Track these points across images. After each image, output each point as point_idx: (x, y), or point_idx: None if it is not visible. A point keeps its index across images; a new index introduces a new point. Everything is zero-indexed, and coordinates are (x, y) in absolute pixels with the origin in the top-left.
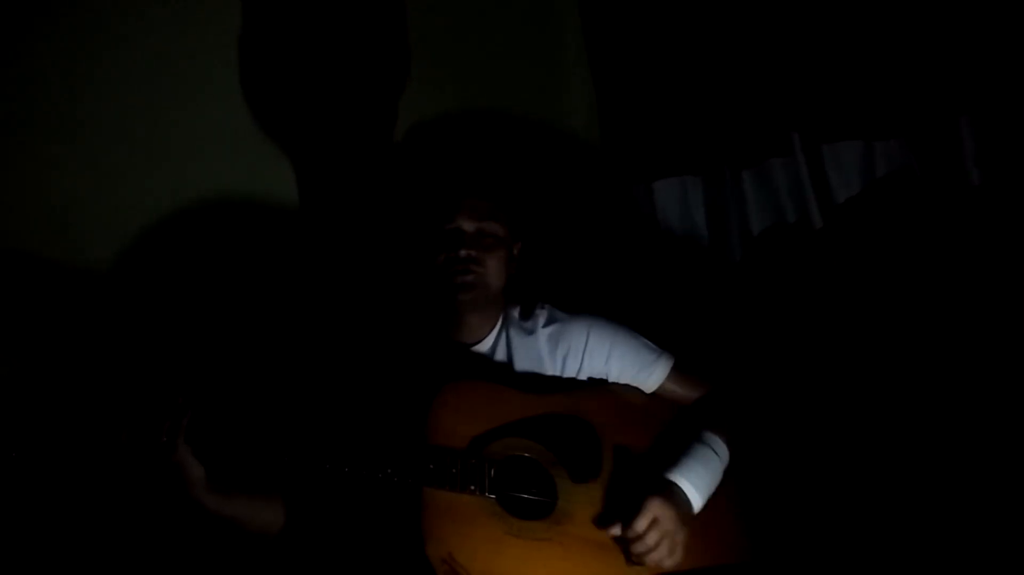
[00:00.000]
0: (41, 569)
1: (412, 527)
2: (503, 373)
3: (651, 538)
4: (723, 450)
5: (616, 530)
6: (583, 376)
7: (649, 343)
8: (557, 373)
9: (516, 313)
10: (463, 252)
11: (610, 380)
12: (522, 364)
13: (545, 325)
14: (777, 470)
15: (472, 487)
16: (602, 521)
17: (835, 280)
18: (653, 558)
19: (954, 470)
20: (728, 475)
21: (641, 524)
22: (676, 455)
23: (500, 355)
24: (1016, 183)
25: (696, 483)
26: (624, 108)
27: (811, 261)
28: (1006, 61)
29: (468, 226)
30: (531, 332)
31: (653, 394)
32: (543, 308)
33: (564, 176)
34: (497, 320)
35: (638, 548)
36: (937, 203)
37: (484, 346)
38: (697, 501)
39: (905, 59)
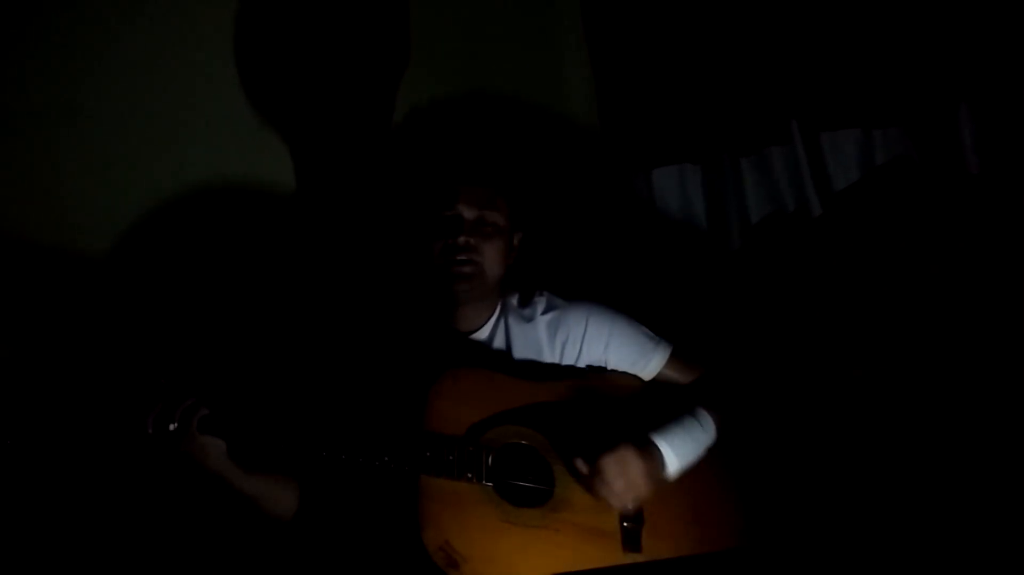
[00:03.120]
0: (46, 561)
1: (409, 514)
2: (501, 361)
3: (610, 473)
4: (710, 425)
5: (582, 465)
6: (582, 364)
7: (648, 331)
8: (556, 361)
9: (515, 300)
10: (462, 239)
11: (609, 368)
12: (521, 352)
13: (544, 312)
14: (774, 456)
15: (469, 475)
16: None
17: (833, 268)
18: (605, 493)
19: (949, 458)
20: (724, 461)
21: (606, 459)
22: (662, 421)
23: (499, 343)
24: (1015, 171)
25: (675, 447)
26: (623, 96)
27: (809, 249)
28: (1005, 49)
29: (468, 213)
30: (530, 319)
31: (651, 382)
32: (542, 295)
33: (563, 164)
34: (495, 307)
35: (597, 485)
36: (935, 191)
37: (483, 333)
38: (673, 464)
39: (904, 47)
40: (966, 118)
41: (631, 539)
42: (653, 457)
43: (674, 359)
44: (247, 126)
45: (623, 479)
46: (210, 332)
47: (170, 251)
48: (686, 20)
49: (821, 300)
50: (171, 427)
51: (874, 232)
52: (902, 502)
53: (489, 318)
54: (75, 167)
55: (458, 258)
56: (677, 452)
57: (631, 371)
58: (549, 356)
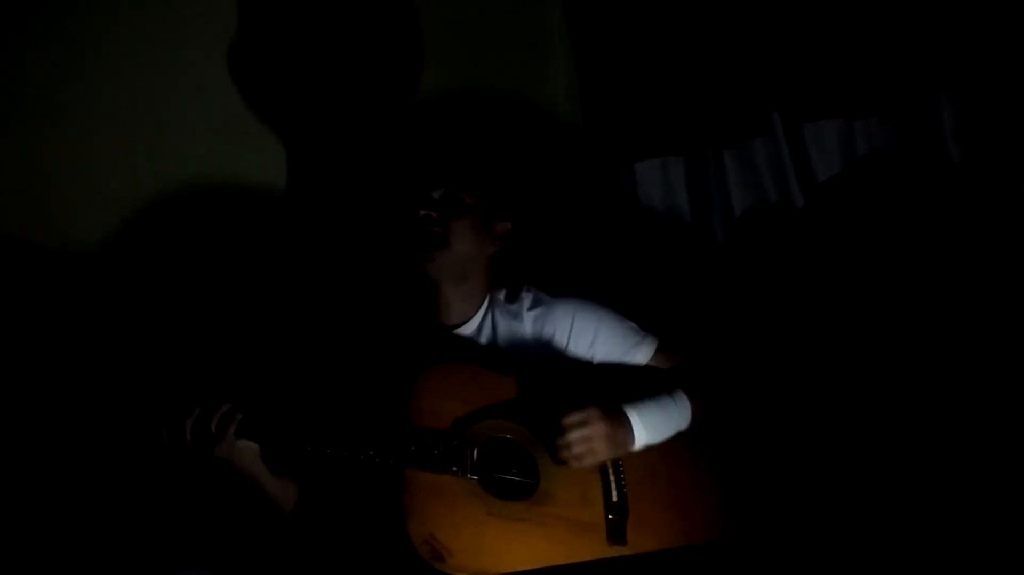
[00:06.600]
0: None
1: (394, 508)
2: (488, 356)
3: (573, 435)
4: (685, 406)
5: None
6: (569, 359)
7: (634, 325)
8: (543, 356)
9: (502, 296)
10: (422, 212)
11: (595, 363)
12: (507, 347)
13: (530, 308)
14: (759, 448)
15: (454, 468)
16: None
17: (816, 259)
18: (565, 454)
19: (932, 449)
20: (709, 452)
21: (571, 419)
22: (638, 396)
23: (486, 338)
24: (995, 160)
25: (645, 419)
26: (606, 90)
27: (793, 240)
28: (985, 37)
29: (435, 192)
30: (516, 315)
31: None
32: (528, 291)
33: (546, 158)
34: (482, 301)
35: (559, 444)
36: (917, 181)
37: (469, 328)
38: (641, 435)
39: (884, 36)
40: (947, 107)
41: (616, 531)
42: (621, 424)
43: (661, 353)
44: (231, 124)
45: (585, 443)
46: (197, 331)
47: (157, 252)
48: (668, 13)
49: (804, 291)
50: (209, 432)
51: (856, 223)
52: (887, 493)
53: (476, 312)
54: (60, 167)
55: (421, 229)
56: (647, 425)
57: (618, 365)
58: (536, 351)
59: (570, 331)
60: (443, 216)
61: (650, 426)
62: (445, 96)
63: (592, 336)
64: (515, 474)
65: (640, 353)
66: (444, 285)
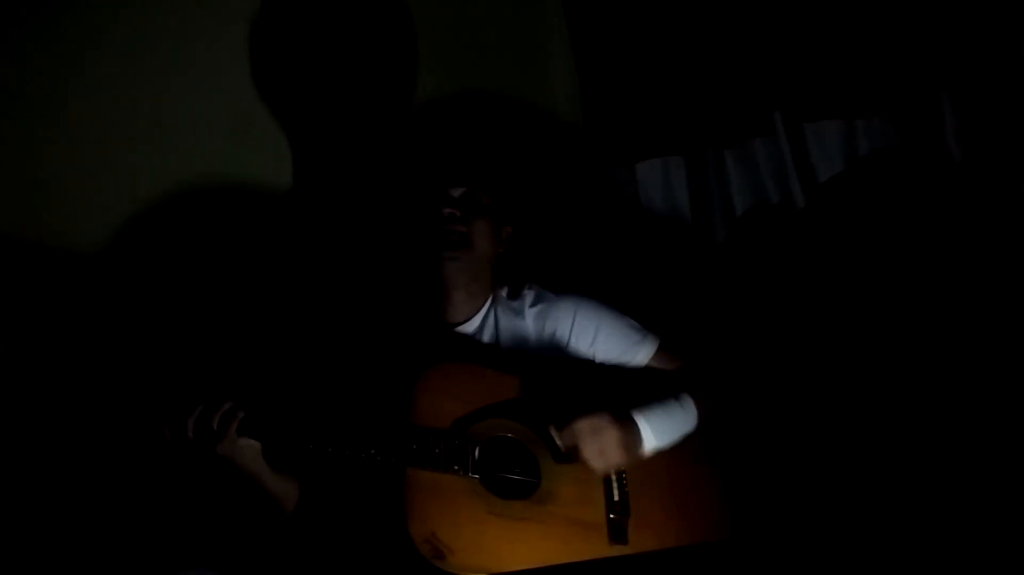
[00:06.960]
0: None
1: (396, 507)
2: (490, 353)
3: (584, 434)
4: (691, 410)
5: (556, 434)
6: (570, 357)
7: (635, 324)
8: (544, 354)
9: (504, 293)
10: (447, 211)
11: (596, 361)
12: (509, 344)
13: (532, 305)
14: (759, 448)
15: (455, 467)
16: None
17: (817, 259)
18: (578, 453)
19: (933, 448)
20: (710, 452)
21: (581, 423)
22: (645, 402)
23: (488, 335)
24: (996, 160)
25: (653, 425)
26: (607, 90)
27: (794, 240)
28: (985, 37)
29: (455, 191)
30: (518, 312)
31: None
32: (530, 289)
33: (548, 159)
34: (485, 299)
35: (567, 442)
36: (918, 181)
37: (471, 326)
38: (650, 441)
39: (885, 36)
40: (948, 106)
41: (617, 531)
42: (631, 430)
43: (662, 352)
44: (231, 123)
45: (597, 443)
46: (199, 329)
47: (160, 250)
48: (669, 13)
49: (805, 291)
50: (211, 430)
51: (857, 223)
52: (887, 493)
53: (479, 310)
54: (60, 167)
55: (447, 227)
56: (655, 431)
57: (619, 364)
58: (537, 349)
59: (571, 328)
60: (465, 215)
61: (659, 431)
62: (446, 98)
63: (593, 334)
64: (517, 473)
65: (641, 352)
66: (455, 284)
